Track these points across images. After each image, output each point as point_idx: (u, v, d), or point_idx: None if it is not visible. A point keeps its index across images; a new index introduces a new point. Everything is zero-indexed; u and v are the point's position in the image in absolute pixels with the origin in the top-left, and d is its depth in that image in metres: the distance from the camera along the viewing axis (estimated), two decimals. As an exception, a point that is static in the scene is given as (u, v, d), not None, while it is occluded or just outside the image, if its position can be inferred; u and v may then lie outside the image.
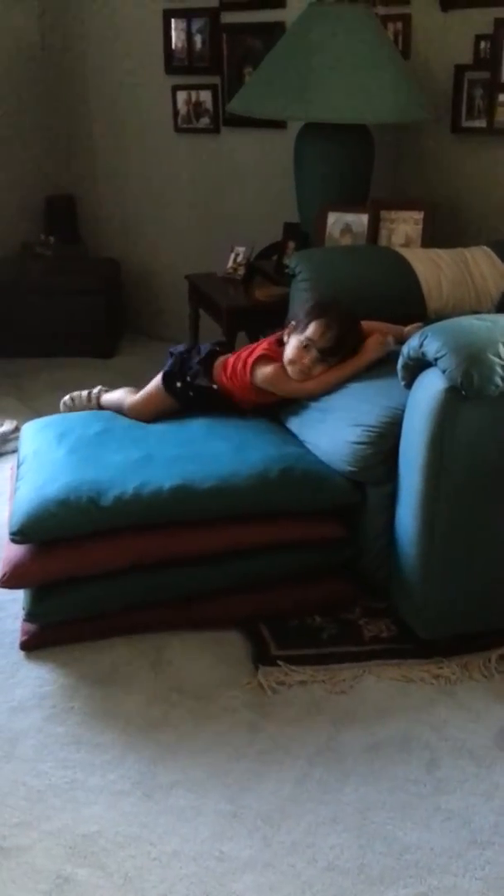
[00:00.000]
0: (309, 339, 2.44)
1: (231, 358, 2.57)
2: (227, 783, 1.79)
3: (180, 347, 2.69)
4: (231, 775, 1.81)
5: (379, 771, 1.83)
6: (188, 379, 2.60)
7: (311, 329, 2.45)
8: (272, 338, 2.59)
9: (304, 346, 2.44)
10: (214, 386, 2.57)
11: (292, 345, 2.47)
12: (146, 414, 2.61)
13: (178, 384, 2.61)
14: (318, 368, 2.44)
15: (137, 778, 1.80)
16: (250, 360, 2.51)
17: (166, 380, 2.62)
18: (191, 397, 2.59)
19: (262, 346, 2.55)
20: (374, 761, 1.85)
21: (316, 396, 2.45)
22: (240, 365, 2.54)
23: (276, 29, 3.66)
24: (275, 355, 2.51)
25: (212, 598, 2.26)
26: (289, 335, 2.51)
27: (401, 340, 2.52)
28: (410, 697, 2.03)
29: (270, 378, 2.49)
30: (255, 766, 1.84)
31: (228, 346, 2.77)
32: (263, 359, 2.50)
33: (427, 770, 1.83)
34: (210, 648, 2.18)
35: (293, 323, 2.52)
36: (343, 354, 2.44)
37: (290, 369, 2.47)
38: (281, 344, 2.54)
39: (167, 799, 1.75)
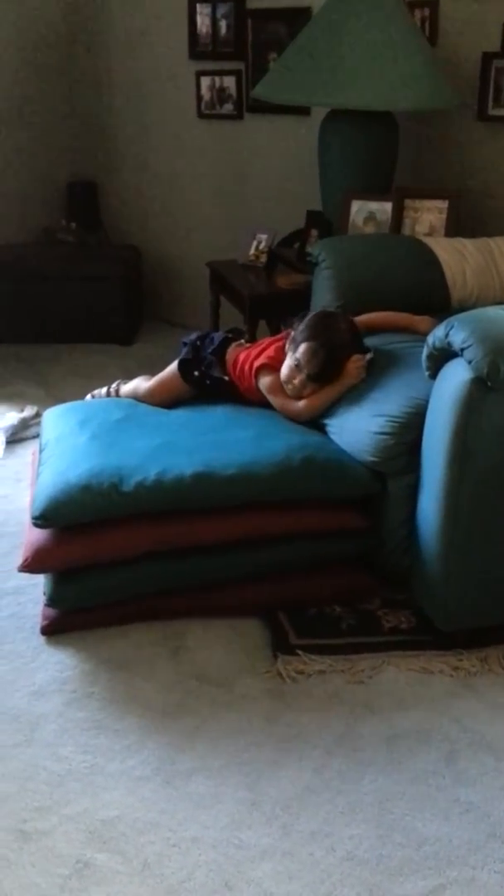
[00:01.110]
0: (298, 360, 2.43)
1: (242, 354, 2.57)
2: (245, 771, 1.80)
3: (192, 336, 2.69)
4: (250, 763, 1.81)
5: (398, 762, 1.83)
6: (203, 368, 2.60)
7: (301, 351, 2.43)
8: (279, 342, 2.57)
9: (296, 366, 2.43)
10: (226, 378, 2.58)
11: (287, 364, 2.47)
12: (162, 399, 2.61)
13: (196, 373, 2.61)
14: (308, 389, 2.44)
15: (157, 764, 1.81)
16: (256, 364, 2.52)
17: (182, 367, 2.62)
18: (207, 385, 2.59)
19: (267, 351, 2.54)
20: (393, 752, 1.85)
21: (302, 419, 2.44)
22: (247, 366, 2.55)
23: (302, 15, 3.63)
24: (277, 364, 2.50)
25: (232, 586, 2.26)
26: (288, 345, 2.50)
27: (417, 331, 2.53)
28: (430, 689, 2.03)
29: (269, 388, 2.49)
30: (274, 754, 1.84)
31: (240, 333, 2.76)
32: (266, 368, 2.50)
33: (446, 762, 1.83)
34: (229, 636, 2.18)
35: (292, 335, 2.49)
36: (325, 380, 2.42)
37: (285, 387, 2.47)
38: (284, 351, 2.53)
39: (186, 785, 1.76)
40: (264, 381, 2.50)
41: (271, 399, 2.49)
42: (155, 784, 1.76)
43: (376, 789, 1.76)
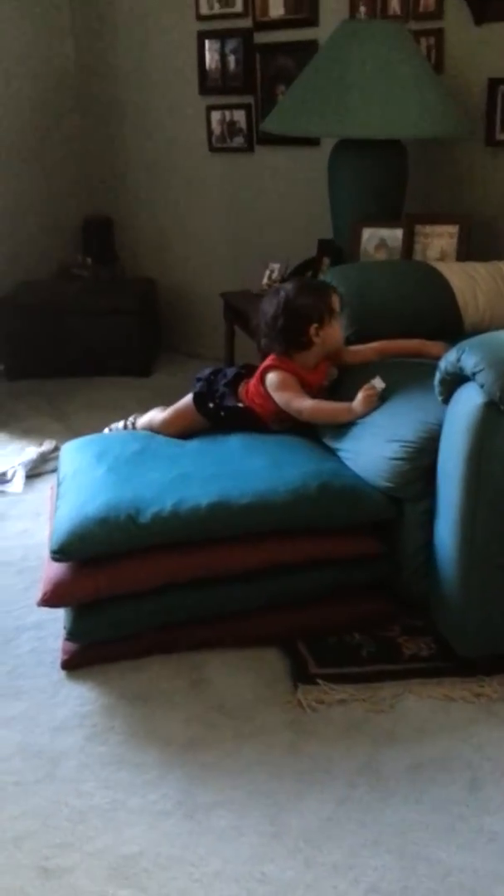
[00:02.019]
0: (338, 309, 2.60)
1: (252, 381, 2.61)
2: (267, 803, 1.78)
3: (206, 371, 2.73)
4: (272, 796, 1.80)
5: (421, 791, 1.81)
6: (217, 400, 2.63)
7: (336, 301, 2.59)
8: (280, 354, 2.60)
9: (338, 318, 2.59)
10: (240, 405, 2.60)
11: (337, 328, 2.58)
12: (177, 430, 2.64)
13: (210, 405, 2.63)
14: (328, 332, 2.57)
15: (178, 798, 1.80)
16: (263, 366, 2.57)
17: (197, 400, 2.65)
18: (221, 417, 2.61)
19: (269, 358, 2.59)
20: (416, 782, 1.83)
21: (303, 419, 2.48)
22: (254, 381, 2.58)
23: (310, 47, 3.69)
24: (282, 366, 2.54)
25: (250, 616, 2.26)
26: (316, 334, 2.53)
27: (429, 356, 2.55)
28: (451, 717, 2.01)
29: (275, 385, 2.52)
30: (296, 786, 1.83)
31: (253, 369, 2.80)
32: (272, 368, 2.55)
33: (469, 790, 1.81)
34: (249, 666, 2.18)
35: (315, 325, 2.53)
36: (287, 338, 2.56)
37: (339, 348, 2.61)
38: (289, 356, 2.55)
39: (208, 819, 1.75)
40: (271, 379, 2.52)
41: (277, 396, 2.51)
42: (176, 818, 1.76)
43: (399, 820, 1.74)
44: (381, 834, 1.71)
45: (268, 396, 2.54)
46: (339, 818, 1.75)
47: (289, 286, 2.61)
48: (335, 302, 2.58)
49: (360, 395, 2.38)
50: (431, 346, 2.60)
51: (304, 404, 2.47)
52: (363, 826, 1.73)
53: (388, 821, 1.74)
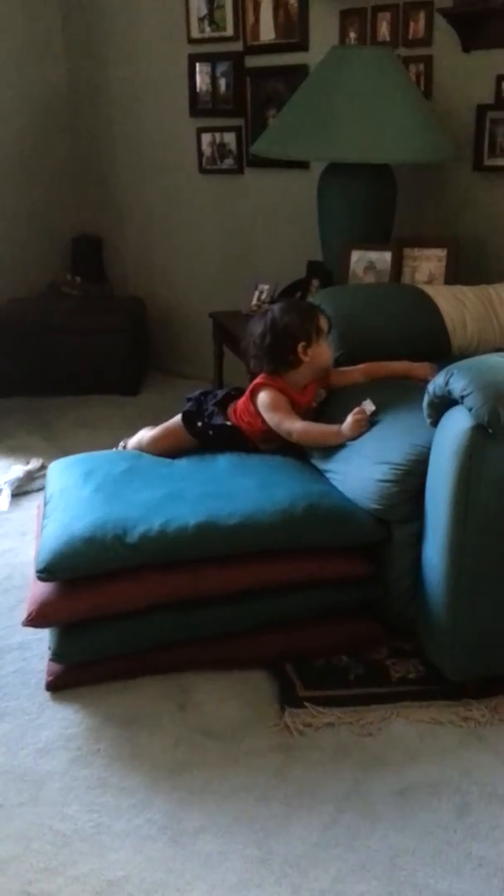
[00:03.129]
0: (326, 331, 2.60)
1: (241, 400, 2.62)
2: (254, 828, 1.77)
3: (196, 392, 2.74)
4: (258, 820, 1.79)
5: (408, 816, 1.80)
6: (206, 419, 2.63)
7: (324, 322, 2.59)
8: (270, 373, 2.60)
9: (326, 338, 2.60)
10: (228, 423, 2.60)
11: (326, 347, 2.59)
12: (164, 449, 2.64)
13: (199, 423, 2.64)
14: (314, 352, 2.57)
15: (164, 822, 1.78)
16: (254, 383, 2.58)
17: (186, 419, 2.65)
18: (210, 436, 2.61)
19: (260, 377, 2.60)
20: (404, 806, 1.82)
21: (292, 440, 2.48)
22: (244, 399, 2.60)
23: (300, 72, 3.72)
24: (273, 384, 2.55)
25: (237, 638, 2.25)
26: (304, 352, 2.54)
27: (416, 378, 2.56)
28: (439, 740, 2.00)
29: (266, 405, 2.52)
30: (283, 810, 1.81)
31: (242, 392, 2.82)
32: (263, 386, 2.55)
33: (457, 815, 1.80)
34: (236, 689, 2.16)
35: (303, 344, 2.54)
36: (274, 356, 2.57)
37: (327, 368, 2.62)
38: (277, 375, 2.56)
39: (194, 844, 1.73)
40: (262, 397, 2.53)
41: (268, 416, 2.51)
42: (162, 843, 1.74)
43: (387, 845, 1.73)
44: (368, 859, 1.70)
45: (256, 415, 2.54)
46: (326, 843, 1.73)
47: (276, 307, 2.62)
48: (323, 322, 2.59)
49: (349, 419, 2.38)
50: (418, 368, 2.61)
51: (295, 426, 2.48)
52: (350, 851, 1.72)
53: (375, 846, 1.73)
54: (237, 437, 2.58)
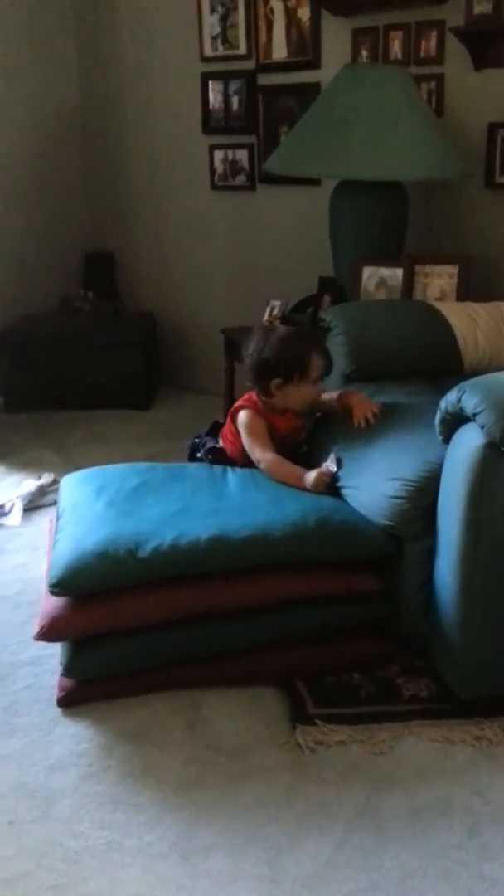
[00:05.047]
0: (316, 375, 2.56)
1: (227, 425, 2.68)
2: (265, 846, 1.76)
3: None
4: (269, 838, 1.78)
5: (420, 836, 1.79)
6: (202, 448, 2.71)
7: (314, 367, 2.54)
8: (257, 392, 2.63)
9: (314, 382, 2.56)
10: (218, 444, 2.67)
11: (307, 391, 2.55)
12: None
13: (198, 454, 2.72)
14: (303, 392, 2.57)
15: (174, 840, 1.78)
16: (235, 406, 2.62)
17: (190, 455, 2.76)
18: (210, 461, 2.66)
19: (242, 398, 2.65)
20: (415, 826, 1.81)
21: (261, 468, 2.49)
22: (228, 420, 2.65)
23: (312, 89, 3.74)
24: (254, 407, 2.58)
25: (249, 654, 2.25)
26: (277, 388, 2.54)
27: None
28: (451, 759, 1.99)
29: (245, 425, 2.55)
30: (294, 829, 1.80)
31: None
32: (243, 408, 2.59)
33: (469, 835, 1.79)
34: (247, 706, 2.16)
35: (278, 381, 2.53)
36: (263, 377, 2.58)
37: (303, 409, 2.59)
38: (264, 395, 2.58)
39: (205, 862, 1.73)
40: (241, 418, 2.57)
41: (243, 437, 2.55)
42: (172, 861, 1.73)
43: (399, 865, 1.72)
44: (379, 879, 1.69)
45: (237, 435, 2.59)
46: (337, 862, 1.72)
47: (279, 331, 2.62)
48: (314, 366, 2.54)
49: (314, 474, 2.39)
50: (361, 405, 2.58)
51: (265, 456, 2.50)
52: (362, 871, 1.71)
53: (386, 865, 1.72)
54: (224, 458, 2.63)
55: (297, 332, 2.67)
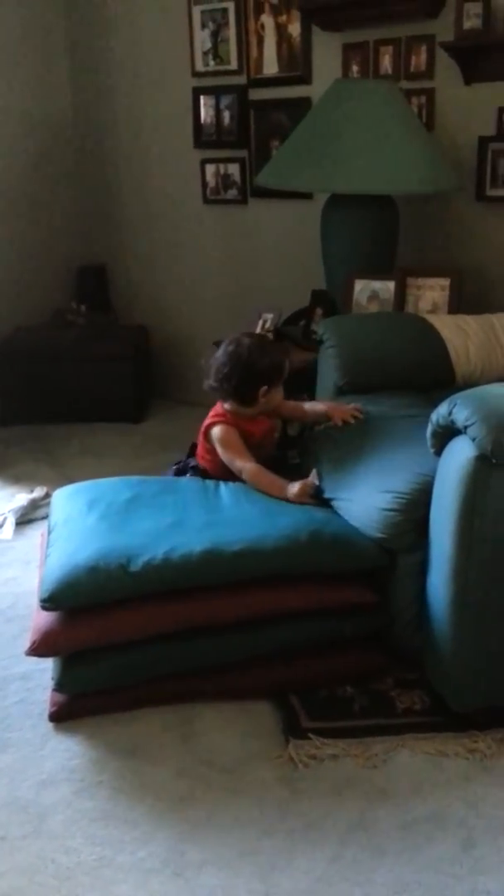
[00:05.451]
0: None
1: (199, 439, 2.70)
2: (257, 861, 1.75)
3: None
4: (262, 854, 1.77)
5: (414, 850, 1.78)
6: (186, 468, 2.75)
7: (286, 369, 2.62)
8: (226, 404, 2.67)
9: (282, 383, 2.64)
10: (199, 464, 2.70)
11: (280, 393, 2.63)
12: None
13: (186, 476, 2.74)
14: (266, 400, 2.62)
15: (167, 855, 1.77)
16: (205, 423, 2.64)
17: (177, 475, 2.78)
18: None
19: (214, 409, 2.68)
20: (409, 839, 1.81)
21: (243, 478, 2.52)
22: (200, 438, 2.67)
23: (303, 104, 3.76)
24: (225, 418, 2.61)
25: (241, 668, 2.24)
26: (264, 395, 2.60)
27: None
28: (445, 773, 1.98)
29: (220, 439, 2.58)
30: (287, 844, 1.79)
31: None
32: (216, 424, 2.61)
33: (463, 849, 1.78)
34: (240, 720, 2.15)
35: (265, 388, 2.59)
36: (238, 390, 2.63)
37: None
38: (237, 405, 2.62)
39: (197, 877, 1.72)
40: (215, 433, 2.60)
41: (221, 451, 2.57)
42: (165, 876, 1.72)
43: (393, 879, 1.71)
44: (373, 893, 1.68)
45: (213, 451, 2.61)
46: (330, 877, 1.72)
47: (248, 340, 2.64)
48: (286, 368, 2.64)
49: (298, 485, 2.42)
50: (338, 410, 2.68)
51: (247, 465, 2.52)
52: (355, 885, 1.70)
53: (380, 880, 1.71)
54: (205, 475, 2.64)
55: (260, 340, 2.74)
